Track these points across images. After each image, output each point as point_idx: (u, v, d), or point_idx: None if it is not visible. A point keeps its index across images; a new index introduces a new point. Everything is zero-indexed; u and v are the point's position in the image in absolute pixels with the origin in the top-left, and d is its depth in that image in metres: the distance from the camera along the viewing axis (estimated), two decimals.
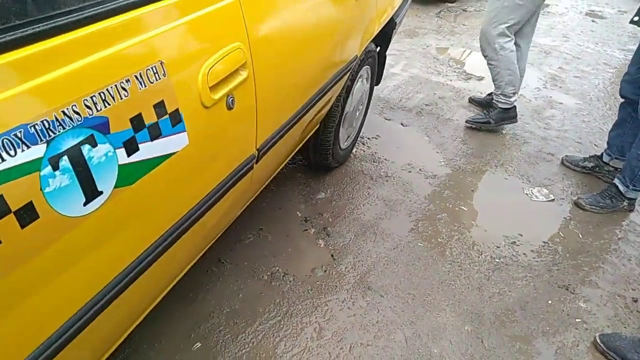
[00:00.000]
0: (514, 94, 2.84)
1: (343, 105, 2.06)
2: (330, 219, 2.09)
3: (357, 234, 2.02)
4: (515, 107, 2.92)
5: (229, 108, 1.06)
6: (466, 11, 5.55)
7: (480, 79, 3.75)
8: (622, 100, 2.43)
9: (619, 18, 5.75)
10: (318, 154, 2.18)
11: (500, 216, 2.24)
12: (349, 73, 1.88)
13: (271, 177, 1.77)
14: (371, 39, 2.04)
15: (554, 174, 2.60)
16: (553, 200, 2.40)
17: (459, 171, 2.55)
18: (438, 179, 2.46)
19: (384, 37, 2.35)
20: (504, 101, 2.88)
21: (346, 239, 1.99)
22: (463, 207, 2.27)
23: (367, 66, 2.25)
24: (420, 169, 2.52)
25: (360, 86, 2.26)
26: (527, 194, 2.43)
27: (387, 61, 3.50)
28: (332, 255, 1.90)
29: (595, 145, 2.91)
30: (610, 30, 5.27)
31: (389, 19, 2.24)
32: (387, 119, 3.01)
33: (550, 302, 1.81)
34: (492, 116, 2.93)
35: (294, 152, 1.92)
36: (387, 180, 2.40)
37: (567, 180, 2.55)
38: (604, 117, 3.29)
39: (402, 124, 2.96)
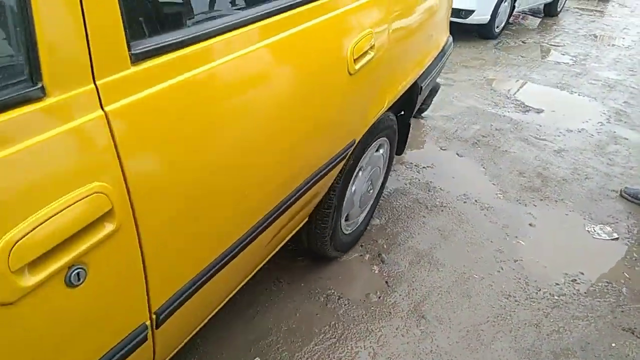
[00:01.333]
0: None
1: (341, 193, 1.67)
2: (385, 246, 2.12)
3: (411, 263, 2.04)
4: None
5: (71, 285, 0.69)
6: (525, 43, 5.51)
7: (539, 111, 3.70)
8: None
9: None
10: (312, 243, 1.78)
11: (560, 252, 2.18)
12: (344, 160, 1.49)
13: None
14: (382, 112, 1.64)
15: (619, 212, 2.51)
16: (617, 239, 2.31)
17: (516, 204, 2.52)
18: (494, 211, 2.44)
19: (406, 103, 1.97)
20: None
21: (400, 267, 2.01)
22: (521, 241, 2.24)
23: (383, 137, 1.88)
24: (476, 200, 2.51)
25: (371, 162, 1.86)
26: (588, 231, 2.36)
27: (441, 90, 3.51)
28: (386, 282, 1.93)
29: None
30: None
31: (410, 85, 1.85)
32: (442, 148, 3.02)
33: (613, 344, 1.75)
34: None
35: (265, 260, 1.47)
36: (442, 210, 2.41)
37: (633, 219, 2.46)
38: None
39: (457, 154, 2.97)
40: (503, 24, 5.58)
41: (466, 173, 2.78)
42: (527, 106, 3.78)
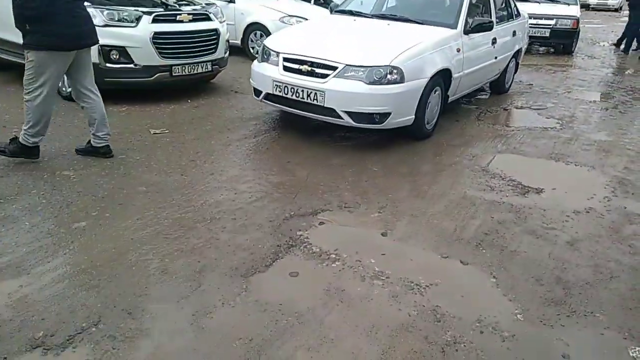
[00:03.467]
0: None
1: None
2: None
3: None
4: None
5: None
6: (506, 110, 5.37)
7: (539, 191, 3.42)
8: None
9: None
10: None
11: None
12: None
13: None
14: None
15: None
16: None
17: (540, 326, 2.14)
18: (518, 341, 2.05)
19: None
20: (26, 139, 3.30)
21: None
22: None
23: None
24: (493, 327, 2.13)
25: None
26: (634, 357, 1.98)
27: (432, 178, 3.20)
28: None
29: None
30: None
31: None
32: (443, 256, 2.67)
33: None
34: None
35: None
36: (456, 350, 2.01)
37: None
38: None
39: (461, 262, 2.62)
40: (436, 118, 4.46)
41: (476, 288, 2.42)
42: (526, 186, 3.50)
